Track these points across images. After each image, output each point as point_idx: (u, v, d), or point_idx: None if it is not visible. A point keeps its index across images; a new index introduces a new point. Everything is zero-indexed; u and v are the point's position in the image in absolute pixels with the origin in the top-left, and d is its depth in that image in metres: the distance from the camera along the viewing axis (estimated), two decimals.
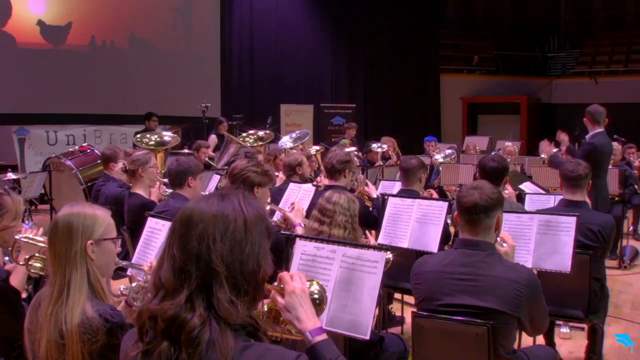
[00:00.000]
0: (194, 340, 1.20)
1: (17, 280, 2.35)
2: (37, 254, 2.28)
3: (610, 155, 5.61)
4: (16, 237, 2.35)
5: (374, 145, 8.21)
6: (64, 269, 1.83)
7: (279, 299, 1.53)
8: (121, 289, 2.29)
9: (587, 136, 5.32)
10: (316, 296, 1.63)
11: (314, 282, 1.67)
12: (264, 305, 1.58)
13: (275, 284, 1.56)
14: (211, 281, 1.24)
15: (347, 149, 6.31)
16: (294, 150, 6.75)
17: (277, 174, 5.14)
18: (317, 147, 7.08)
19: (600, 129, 5.30)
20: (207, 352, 1.20)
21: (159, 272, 1.29)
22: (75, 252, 1.84)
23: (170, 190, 4.16)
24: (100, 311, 1.78)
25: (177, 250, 1.26)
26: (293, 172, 4.87)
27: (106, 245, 1.93)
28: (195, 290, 1.24)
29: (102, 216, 1.95)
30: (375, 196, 4.58)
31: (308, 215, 3.39)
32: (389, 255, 3.02)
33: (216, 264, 1.24)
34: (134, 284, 2.16)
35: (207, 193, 1.43)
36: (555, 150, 6.18)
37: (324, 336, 1.50)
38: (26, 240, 2.33)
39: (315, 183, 4.68)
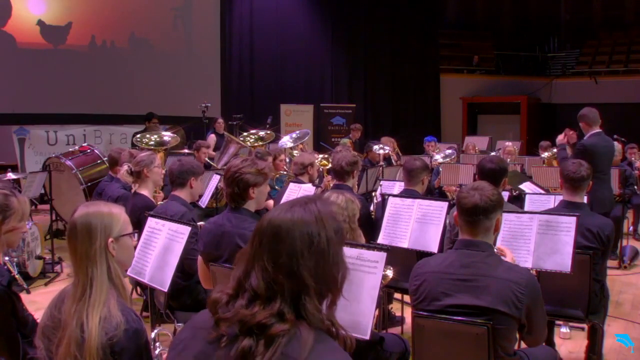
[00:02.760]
0: (277, 338, 1.31)
1: None
2: None
3: (607, 155, 5.41)
4: None
5: (376, 147, 8.17)
6: (86, 268, 1.88)
7: None
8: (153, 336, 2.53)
9: (585, 137, 5.29)
10: None
11: None
12: None
13: None
14: (300, 293, 1.37)
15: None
16: (308, 151, 6.76)
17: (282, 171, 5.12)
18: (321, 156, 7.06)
19: (596, 130, 5.27)
20: (288, 343, 1.31)
21: (248, 278, 1.39)
22: (95, 250, 1.89)
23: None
24: (124, 312, 1.84)
25: (268, 263, 1.38)
26: (304, 171, 4.91)
27: (125, 240, 1.99)
28: (288, 300, 1.36)
29: (118, 213, 2.00)
30: None
31: None
32: (390, 272, 3.02)
33: (306, 278, 1.36)
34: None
35: (285, 201, 1.51)
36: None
37: None
38: None
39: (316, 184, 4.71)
